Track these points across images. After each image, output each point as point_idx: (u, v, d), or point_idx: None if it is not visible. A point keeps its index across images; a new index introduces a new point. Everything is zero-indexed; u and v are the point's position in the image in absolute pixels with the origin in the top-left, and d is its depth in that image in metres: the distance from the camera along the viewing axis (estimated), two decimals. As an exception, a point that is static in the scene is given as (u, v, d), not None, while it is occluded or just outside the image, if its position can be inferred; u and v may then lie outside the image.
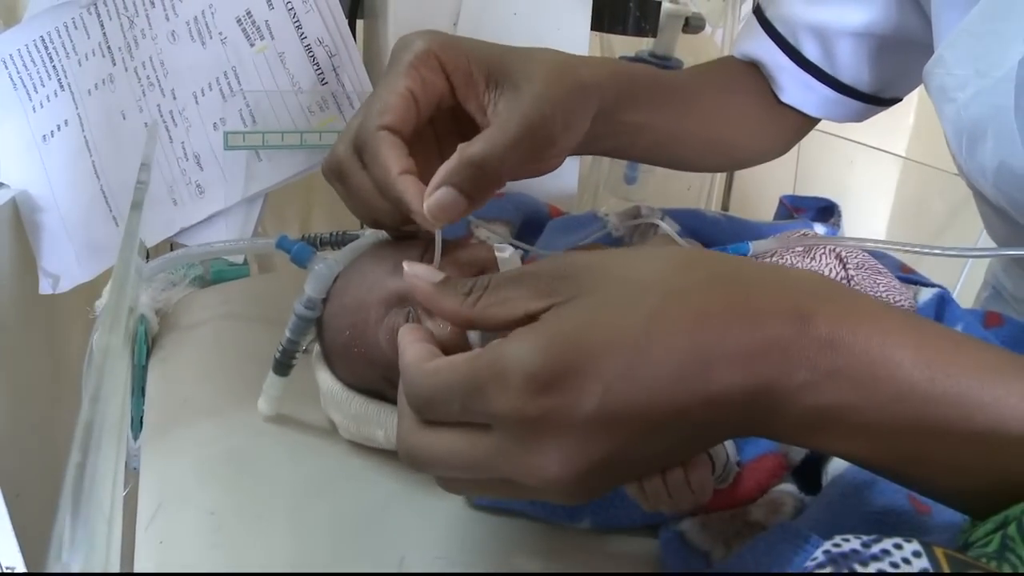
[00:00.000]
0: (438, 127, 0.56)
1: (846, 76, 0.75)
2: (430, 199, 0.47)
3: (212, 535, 0.50)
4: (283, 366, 0.58)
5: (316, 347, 0.60)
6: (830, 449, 0.37)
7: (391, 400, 0.54)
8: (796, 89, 0.77)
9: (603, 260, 0.39)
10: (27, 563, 0.88)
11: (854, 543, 0.34)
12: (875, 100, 0.78)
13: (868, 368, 0.34)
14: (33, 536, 0.89)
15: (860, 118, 0.80)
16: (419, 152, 0.51)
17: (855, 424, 0.35)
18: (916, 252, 0.58)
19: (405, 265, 0.42)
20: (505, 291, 0.38)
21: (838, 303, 0.35)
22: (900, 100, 0.80)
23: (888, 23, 0.70)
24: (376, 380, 0.54)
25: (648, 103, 0.63)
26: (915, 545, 0.32)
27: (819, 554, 0.34)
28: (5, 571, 0.88)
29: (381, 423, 0.54)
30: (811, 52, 0.75)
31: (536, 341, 0.34)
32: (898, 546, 0.32)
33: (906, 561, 0.32)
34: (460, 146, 0.48)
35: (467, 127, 0.54)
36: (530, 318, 0.37)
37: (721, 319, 0.34)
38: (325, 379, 0.57)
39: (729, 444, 0.50)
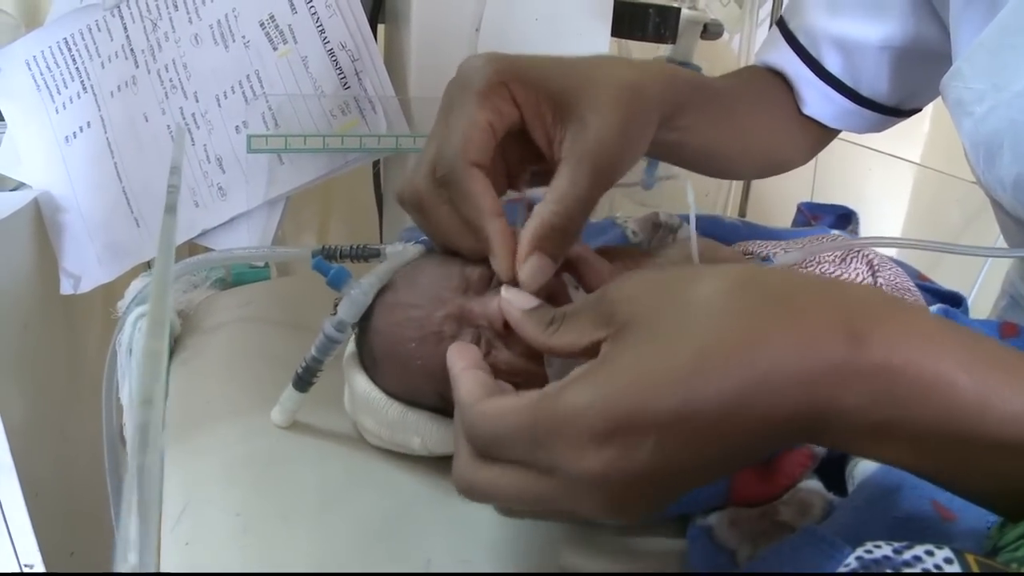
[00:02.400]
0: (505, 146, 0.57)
1: (867, 89, 0.75)
2: (524, 269, 0.49)
3: (239, 537, 0.51)
4: (304, 383, 0.58)
5: (349, 349, 0.60)
6: (876, 458, 0.38)
7: (431, 409, 0.55)
8: (817, 101, 0.77)
9: (655, 283, 0.40)
10: (45, 561, 0.89)
11: (885, 549, 0.34)
12: (895, 111, 0.78)
13: (921, 389, 0.34)
14: (51, 534, 0.90)
15: (880, 128, 0.80)
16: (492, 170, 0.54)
17: (904, 439, 0.35)
18: (940, 250, 0.58)
19: (503, 290, 0.47)
20: (575, 323, 0.41)
21: (892, 323, 0.35)
22: (920, 110, 0.80)
23: (909, 36, 0.70)
24: (429, 393, 0.54)
25: (693, 109, 0.63)
26: (946, 552, 0.33)
27: (852, 560, 0.34)
28: (24, 569, 0.89)
29: (419, 431, 0.55)
30: (832, 65, 0.75)
31: (592, 391, 0.36)
32: (930, 552, 0.33)
33: (938, 568, 0.32)
34: (536, 208, 0.51)
35: (532, 147, 0.55)
36: (594, 346, 0.39)
37: (775, 345, 0.34)
38: (361, 383, 0.57)
39: None
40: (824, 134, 0.81)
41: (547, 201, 0.51)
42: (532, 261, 0.49)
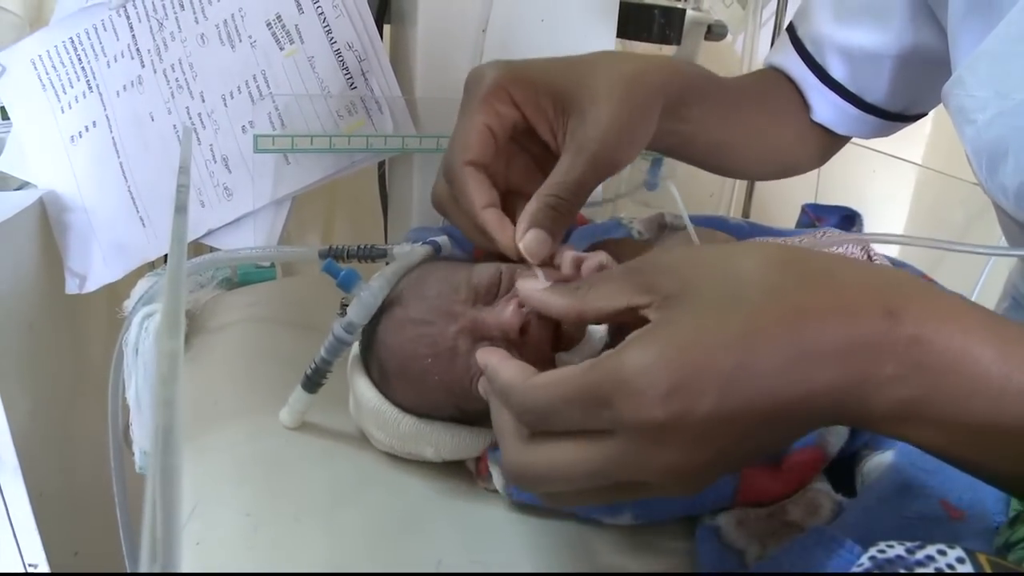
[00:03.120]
0: (518, 141, 0.60)
1: (871, 96, 0.76)
2: (523, 242, 0.53)
3: (249, 537, 0.51)
4: (313, 384, 0.59)
5: (352, 354, 0.60)
6: (908, 438, 0.38)
7: (445, 419, 0.55)
8: (824, 107, 0.78)
9: (700, 255, 0.42)
10: (49, 561, 0.89)
11: (898, 549, 0.34)
12: (900, 117, 0.78)
13: (950, 363, 0.35)
14: (55, 534, 0.90)
15: (886, 133, 0.81)
16: (501, 166, 0.58)
17: (929, 417, 0.36)
18: (945, 248, 0.59)
19: (519, 283, 0.48)
20: (608, 286, 0.42)
21: (923, 301, 0.37)
22: (925, 115, 0.80)
23: (910, 44, 0.71)
24: (446, 407, 0.54)
25: (701, 100, 0.63)
26: (958, 551, 0.33)
27: (865, 560, 0.34)
28: (29, 569, 0.89)
29: (432, 441, 0.55)
30: (837, 72, 0.75)
31: (655, 350, 0.37)
32: (942, 552, 0.33)
33: (950, 567, 0.32)
34: (537, 193, 0.54)
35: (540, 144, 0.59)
36: (632, 311, 0.40)
37: (818, 317, 0.36)
38: (370, 396, 0.57)
39: None
40: (833, 141, 0.82)
41: (545, 185, 0.54)
42: (531, 234, 0.53)
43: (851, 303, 0.36)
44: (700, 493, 0.40)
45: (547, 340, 0.51)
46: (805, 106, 0.79)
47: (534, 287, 0.47)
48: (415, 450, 0.56)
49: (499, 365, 0.43)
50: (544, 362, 0.49)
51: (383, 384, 0.57)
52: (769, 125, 0.77)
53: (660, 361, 0.36)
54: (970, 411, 0.36)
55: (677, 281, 0.39)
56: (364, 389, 0.57)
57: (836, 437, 0.53)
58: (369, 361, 0.58)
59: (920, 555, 0.33)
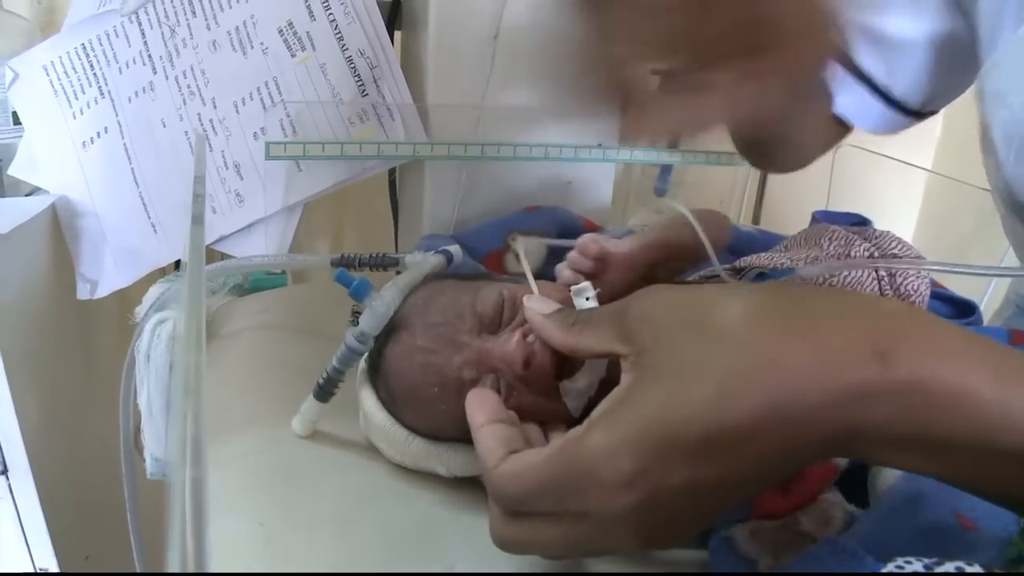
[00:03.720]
0: None
1: (900, 89, 0.75)
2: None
3: (262, 546, 0.51)
4: (325, 393, 0.59)
5: (360, 368, 0.60)
6: (901, 467, 0.38)
7: (455, 440, 0.56)
8: (847, 99, 0.77)
9: (679, 303, 0.41)
10: (60, 564, 0.89)
11: (916, 565, 0.34)
12: (917, 114, 0.78)
13: (947, 402, 0.34)
14: (66, 538, 0.90)
15: (898, 130, 0.80)
16: None
17: (929, 450, 0.35)
18: (942, 271, 0.58)
19: (526, 300, 0.49)
20: (595, 330, 0.44)
21: (917, 339, 0.35)
22: (936, 113, 0.80)
23: (945, 32, 0.70)
24: (453, 431, 0.54)
25: None
26: (976, 569, 0.33)
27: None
28: (39, 571, 0.89)
29: (444, 461, 0.55)
30: (867, 62, 0.75)
31: (618, 433, 0.37)
32: (960, 569, 0.33)
33: (969, 584, 0.32)
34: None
35: None
36: (612, 355, 0.41)
37: (798, 371, 0.35)
38: (378, 416, 0.57)
39: None
40: (838, 134, 0.81)
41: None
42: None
43: (836, 349, 0.35)
44: None
45: (550, 368, 0.51)
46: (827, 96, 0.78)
47: (539, 309, 0.48)
48: (426, 467, 0.56)
49: (478, 432, 0.45)
50: (548, 391, 0.51)
51: (391, 406, 0.57)
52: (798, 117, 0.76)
53: (623, 445, 0.36)
54: (970, 447, 0.34)
55: (652, 333, 0.39)
56: (373, 409, 0.57)
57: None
58: (377, 382, 0.58)
59: (938, 571, 0.33)
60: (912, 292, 0.64)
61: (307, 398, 0.59)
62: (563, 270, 0.61)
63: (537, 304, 0.49)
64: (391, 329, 0.56)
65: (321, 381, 0.58)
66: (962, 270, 0.57)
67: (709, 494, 0.37)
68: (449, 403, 0.52)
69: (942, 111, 0.80)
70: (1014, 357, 0.36)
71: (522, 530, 0.41)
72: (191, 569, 0.20)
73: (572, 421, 0.51)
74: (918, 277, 0.64)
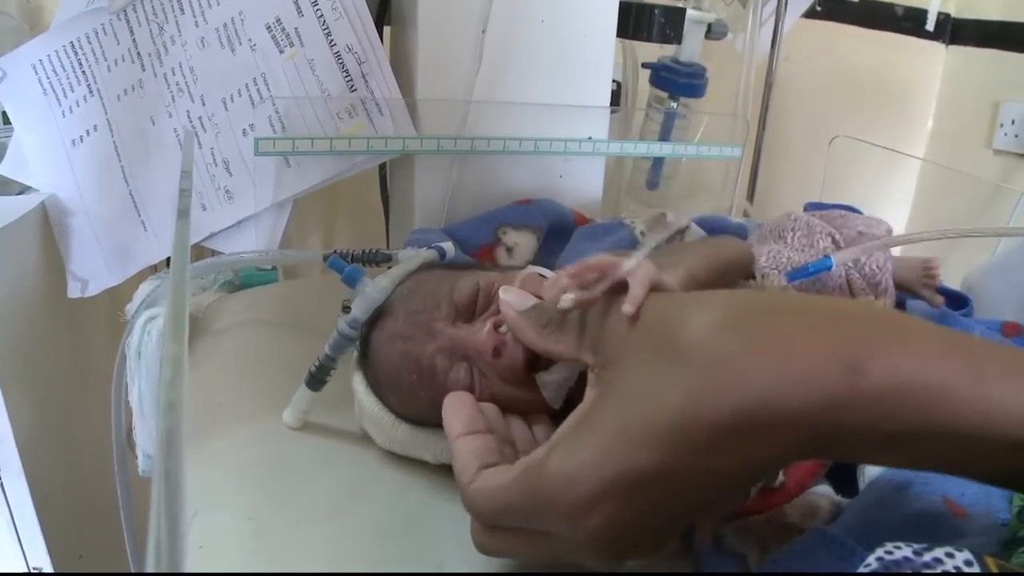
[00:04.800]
0: None
1: None
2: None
3: (251, 540, 0.51)
4: (317, 381, 0.59)
5: (355, 354, 0.60)
6: (881, 464, 0.38)
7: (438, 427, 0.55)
8: None
9: (648, 314, 0.40)
10: (54, 563, 0.89)
11: (905, 551, 0.34)
12: None
13: (924, 405, 0.33)
14: (60, 537, 0.90)
15: None
16: None
17: (908, 448, 0.35)
18: (973, 235, 0.59)
19: (501, 291, 0.48)
20: (566, 336, 0.44)
21: (892, 345, 0.35)
22: None
23: None
24: (437, 417, 0.53)
25: None
26: (967, 554, 0.33)
27: (872, 560, 0.34)
28: (33, 571, 0.89)
29: (429, 448, 0.56)
30: None
31: (578, 459, 0.37)
32: (950, 555, 0.33)
33: (958, 569, 0.32)
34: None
35: None
36: (582, 362, 0.42)
37: (766, 386, 0.34)
38: (368, 402, 0.57)
39: None
40: None
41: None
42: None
43: (805, 362, 0.34)
44: None
45: (522, 361, 0.50)
46: None
47: (514, 304, 0.47)
48: (414, 453, 0.56)
49: (453, 445, 0.45)
50: (524, 382, 0.50)
51: (378, 390, 0.57)
52: None
53: (581, 470, 0.37)
54: (949, 443, 0.34)
55: (617, 346, 0.40)
56: (363, 394, 0.58)
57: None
58: (365, 367, 0.58)
59: (928, 557, 0.33)
60: (878, 270, 0.64)
61: (299, 388, 0.59)
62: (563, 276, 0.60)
63: (512, 298, 0.47)
64: (377, 315, 0.57)
65: (313, 369, 0.58)
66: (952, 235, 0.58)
67: (672, 511, 0.37)
68: (427, 390, 0.53)
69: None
70: (990, 350, 0.35)
71: (498, 541, 0.43)
72: (164, 569, 0.20)
73: (555, 412, 0.51)
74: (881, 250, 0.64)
